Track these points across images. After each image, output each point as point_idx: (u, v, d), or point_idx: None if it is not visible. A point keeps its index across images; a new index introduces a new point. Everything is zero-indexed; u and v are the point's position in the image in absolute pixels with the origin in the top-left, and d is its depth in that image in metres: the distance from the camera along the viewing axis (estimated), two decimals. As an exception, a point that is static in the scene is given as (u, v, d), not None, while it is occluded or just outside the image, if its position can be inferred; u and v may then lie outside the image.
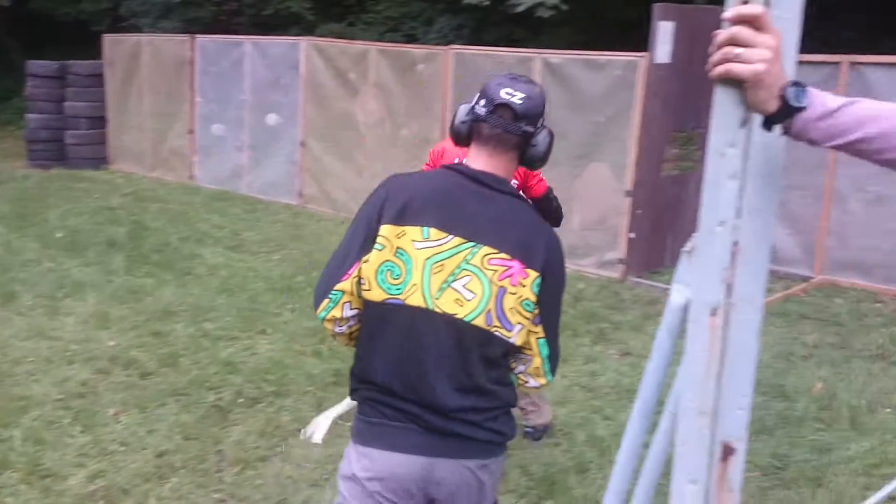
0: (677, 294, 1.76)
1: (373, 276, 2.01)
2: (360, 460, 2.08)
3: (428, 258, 2.00)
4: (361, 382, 2.10)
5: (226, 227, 8.78)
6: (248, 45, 10.55)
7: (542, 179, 3.81)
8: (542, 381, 2.15)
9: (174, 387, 4.65)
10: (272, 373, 4.86)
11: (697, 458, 1.54)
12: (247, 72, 10.47)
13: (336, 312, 2.07)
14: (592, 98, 7.48)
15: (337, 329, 2.12)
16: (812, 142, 1.41)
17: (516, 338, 2.05)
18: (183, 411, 4.37)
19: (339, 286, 2.05)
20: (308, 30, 13.67)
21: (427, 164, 3.84)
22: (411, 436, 2.03)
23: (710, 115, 1.41)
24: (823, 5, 10.86)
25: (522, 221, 2.09)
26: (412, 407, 2.03)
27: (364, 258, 2.02)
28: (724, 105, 1.38)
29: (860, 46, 9.57)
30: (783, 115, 1.36)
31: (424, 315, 1.99)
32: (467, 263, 2.00)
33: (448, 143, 3.72)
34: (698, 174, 7.81)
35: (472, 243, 2.01)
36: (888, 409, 4.61)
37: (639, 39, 11.60)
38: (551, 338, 2.12)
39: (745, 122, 1.39)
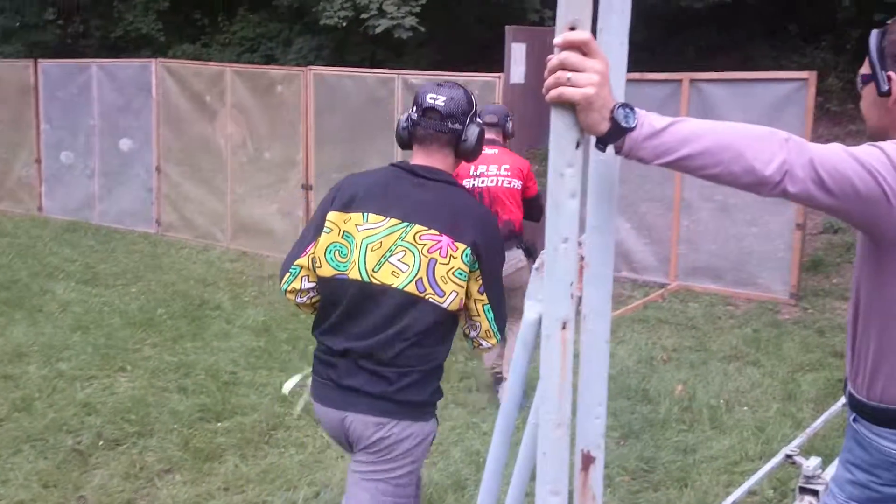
0: (530, 310, 1.81)
1: (322, 256, 2.40)
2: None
3: (365, 238, 2.36)
4: (317, 344, 2.50)
5: (78, 259, 8.36)
6: (95, 68, 10.13)
7: (535, 184, 4.64)
8: (492, 341, 2.48)
9: (29, 432, 4.36)
10: (134, 412, 4.64)
11: (558, 469, 1.57)
12: (95, 96, 10.04)
13: (296, 284, 2.47)
14: (452, 117, 7.58)
15: (298, 300, 2.50)
16: (641, 160, 1.48)
17: (450, 303, 2.35)
18: (40, 458, 4.11)
19: (297, 262, 2.46)
20: (160, 51, 13.25)
21: None
22: (330, 391, 2.41)
23: (550, 138, 1.46)
24: (668, 25, 11.48)
25: (452, 203, 2.42)
26: (347, 363, 2.38)
27: (317, 240, 2.43)
28: (559, 127, 1.43)
29: (701, 64, 10.16)
30: (614, 135, 1.42)
31: (364, 287, 2.35)
32: (402, 240, 2.35)
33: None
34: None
35: (405, 223, 2.36)
36: (745, 407, 4.87)
37: (497, 59, 11.90)
38: (495, 304, 2.44)
39: (580, 144, 1.44)
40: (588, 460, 1.67)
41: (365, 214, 2.40)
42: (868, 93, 1.81)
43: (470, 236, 2.37)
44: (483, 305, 2.42)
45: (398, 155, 7.87)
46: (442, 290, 2.34)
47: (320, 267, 2.41)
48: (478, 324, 2.44)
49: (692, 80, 7.54)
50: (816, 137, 8.74)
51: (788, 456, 3.17)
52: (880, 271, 1.73)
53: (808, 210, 7.58)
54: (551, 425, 1.57)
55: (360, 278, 2.35)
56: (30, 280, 7.46)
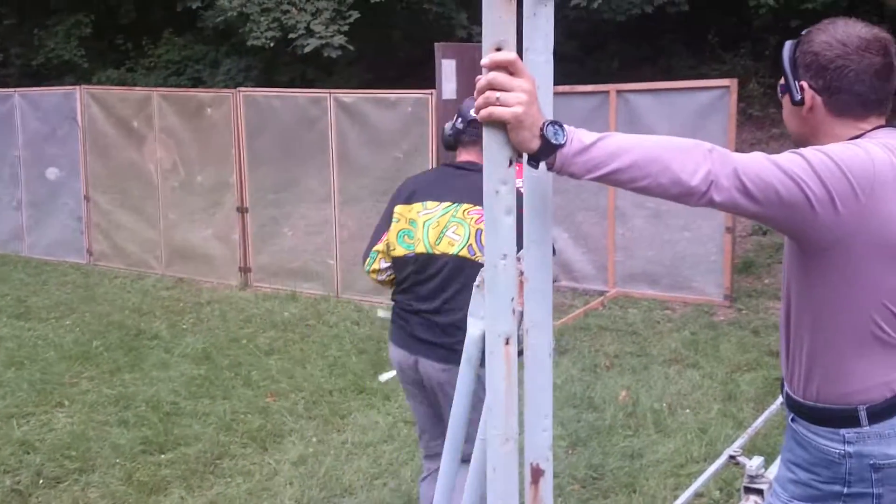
0: (473, 326, 1.83)
1: (395, 240, 3.08)
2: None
3: (426, 220, 3.03)
4: (395, 304, 3.15)
5: (8, 294, 8.11)
6: (17, 97, 9.86)
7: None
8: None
9: (-40, 476, 4.22)
10: (74, 448, 4.53)
11: (508, 484, 1.58)
12: (18, 125, 9.78)
13: (376, 265, 3.14)
14: (388, 135, 7.61)
15: (379, 277, 3.16)
16: (573, 175, 1.52)
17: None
18: (-27, 502, 3.98)
19: (375, 248, 3.14)
20: (84, 78, 12.99)
21: None
22: (406, 338, 3.08)
23: (483, 156, 1.49)
24: (591, 37, 11.69)
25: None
26: (418, 319, 3.04)
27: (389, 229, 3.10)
28: (492, 146, 1.46)
29: (625, 75, 10.38)
30: (545, 152, 1.46)
31: (429, 258, 3.00)
32: (454, 217, 2.99)
33: None
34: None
35: (455, 203, 3.00)
36: (687, 410, 4.97)
37: (427, 76, 11.96)
38: None
39: (512, 161, 1.47)
40: (537, 473, 1.69)
41: (423, 203, 3.06)
42: (786, 102, 1.89)
43: None
44: None
45: (335, 172, 7.85)
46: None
47: (394, 249, 3.08)
48: None
49: (619, 91, 7.69)
50: (741, 142, 9.01)
51: (732, 456, 3.24)
52: (807, 274, 1.79)
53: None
54: (499, 440, 1.59)
55: (425, 251, 3.01)
56: (-43, 317, 7.22)
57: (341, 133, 7.80)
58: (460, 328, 2.58)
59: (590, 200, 7.98)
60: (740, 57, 10.78)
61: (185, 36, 13.62)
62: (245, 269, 8.50)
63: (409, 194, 3.12)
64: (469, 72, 7.44)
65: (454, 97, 7.29)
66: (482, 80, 1.42)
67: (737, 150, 1.73)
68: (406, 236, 3.06)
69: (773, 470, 2.85)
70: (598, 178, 1.52)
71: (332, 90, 7.93)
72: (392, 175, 7.73)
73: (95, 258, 9.39)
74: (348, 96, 7.81)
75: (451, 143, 3.16)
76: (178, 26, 13.83)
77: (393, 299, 3.16)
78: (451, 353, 2.87)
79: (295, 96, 8.22)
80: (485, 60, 1.41)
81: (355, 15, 10.05)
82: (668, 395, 5.25)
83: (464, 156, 3.10)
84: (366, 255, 3.17)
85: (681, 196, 1.55)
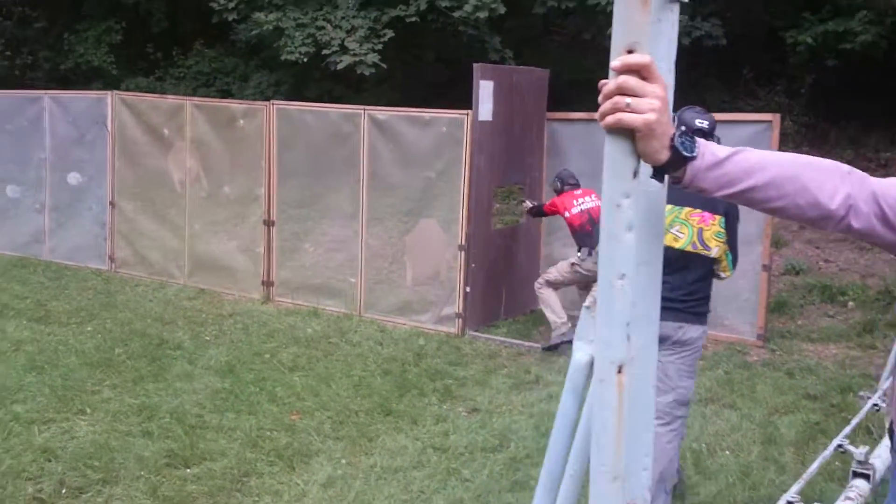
0: (580, 352, 1.69)
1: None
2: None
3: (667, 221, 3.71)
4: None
5: (28, 297, 8.02)
6: (47, 99, 9.84)
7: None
8: (728, 273, 3.98)
9: (-18, 481, 4.09)
10: (97, 458, 4.40)
11: (614, 525, 1.45)
12: (46, 128, 9.75)
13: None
14: (421, 154, 7.52)
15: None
16: (703, 191, 1.41)
17: (714, 253, 3.82)
18: (-7, 509, 3.85)
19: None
20: (112, 85, 12.97)
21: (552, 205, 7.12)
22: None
23: (603, 166, 1.37)
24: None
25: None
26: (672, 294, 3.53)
27: None
28: (615, 155, 1.34)
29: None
30: (674, 165, 1.34)
31: (667, 250, 3.64)
32: (677, 218, 3.72)
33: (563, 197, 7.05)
34: (525, 227, 8.02)
35: (679, 207, 3.71)
36: (727, 451, 4.81)
37: (454, 98, 11.91)
38: (733, 251, 3.94)
39: (637, 173, 1.35)
40: (638, 514, 1.56)
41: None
42: None
43: (722, 210, 3.80)
44: (726, 252, 3.89)
45: (364, 189, 7.76)
46: (709, 247, 3.81)
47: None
48: (720, 262, 3.90)
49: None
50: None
51: (790, 503, 3.10)
52: None
53: (773, 251, 7.67)
54: (607, 478, 1.46)
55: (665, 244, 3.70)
56: (-23, 318, 7.12)
57: (373, 150, 7.72)
58: (694, 298, 3.83)
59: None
60: (775, 94, 10.69)
61: (216, 48, 13.62)
62: (268, 283, 8.39)
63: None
64: (506, 94, 7.36)
65: (490, 118, 7.21)
66: (610, 83, 1.30)
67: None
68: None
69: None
70: (730, 196, 1.41)
71: (366, 107, 7.86)
72: (421, 195, 7.65)
73: (117, 265, 9.30)
74: (382, 113, 7.74)
75: None
76: (209, 38, 13.85)
77: None
78: (687, 314, 3.79)
79: (328, 111, 8.15)
80: (615, 63, 1.29)
81: (390, 34, 10.02)
82: (707, 434, 5.09)
83: None
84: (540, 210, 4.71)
85: (818, 220, 1.44)
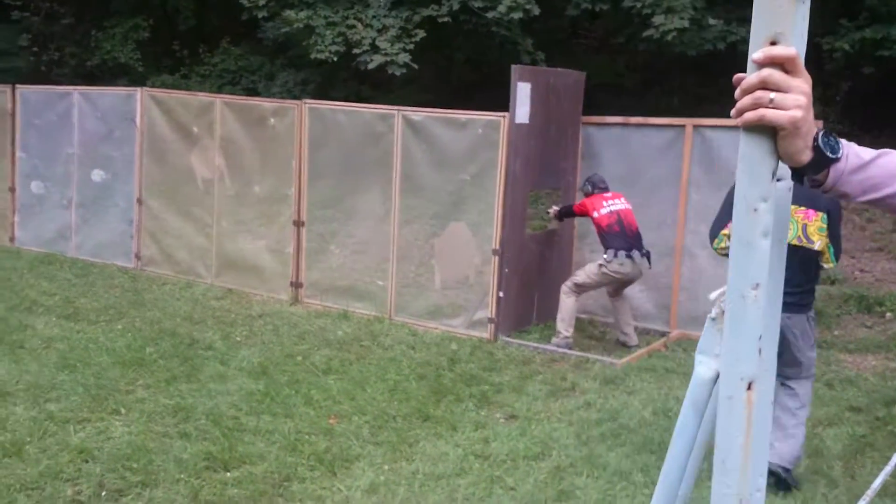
0: (703, 366, 1.60)
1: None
2: None
3: None
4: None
5: (57, 293, 7.98)
6: (77, 95, 9.81)
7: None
8: (830, 264, 4.46)
9: (22, 480, 4.03)
10: (134, 459, 4.33)
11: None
12: (75, 124, 9.72)
13: (723, 244, 4.43)
14: (455, 156, 7.43)
15: (724, 253, 4.31)
16: (845, 195, 1.32)
17: (818, 246, 4.32)
18: (34, 510, 3.79)
19: (723, 232, 4.43)
20: (138, 81, 12.97)
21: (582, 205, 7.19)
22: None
23: (738, 168, 1.27)
24: (655, 72, 11.51)
25: (810, 191, 3.86)
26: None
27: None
28: (753, 155, 1.23)
29: (686, 113, 10.19)
30: (816, 166, 1.25)
31: None
32: None
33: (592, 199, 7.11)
34: (560, 232, 7.93)
35: None
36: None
37: (482, 101, 11.82)
38: (834, 244, 4.40)
39: (775, 175, 1.26)
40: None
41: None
42: None
43: (824, 206, 4.26)
44: (828, 244, 4.36)
45: (397, 191, 7.68)
46: (812, 241, 4.28)
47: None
48: (822, 255, 4.38)
49: (695, 126, 7.50)
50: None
51: (862, 522, 3.00)
52: None
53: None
54: (732, 500, 1.37)
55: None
56: (7, 314, 7.08)
57: (406, 151, 7.64)
58: (803, 289, 4.36)
59: (650, 237, 7.74)
60: (808, 101, 10.54)
61: (242, 46, 13.59)
62: (297, 284, 8.33)
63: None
64: (543, 96, 7.27)
65: (527, 121, 7.12)
66: (752, 77, 1.18)
67: None
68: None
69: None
70: (872, 202, 1.32)
71: (400, 107, 7.78)
72: (455, 198, 7.56)
73: (143, 263, 9.26)
74: (417, 114, 7.66)
75: None
76: (236, 36, 13.82)
77: None
78: (796, 306, 4.25)
79: (361, 111, 8.07)
80: (757, 55, 1.18)
81: (421, 34, 9.94)
82: (751, 446, 4.97)
83: None
84: (713, 236, 4.58)
85: None
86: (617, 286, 7.14)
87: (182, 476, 4.21)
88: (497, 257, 7.11)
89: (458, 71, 12.44)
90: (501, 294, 7.10)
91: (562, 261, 7.97)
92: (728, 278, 1.31)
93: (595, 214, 6.98)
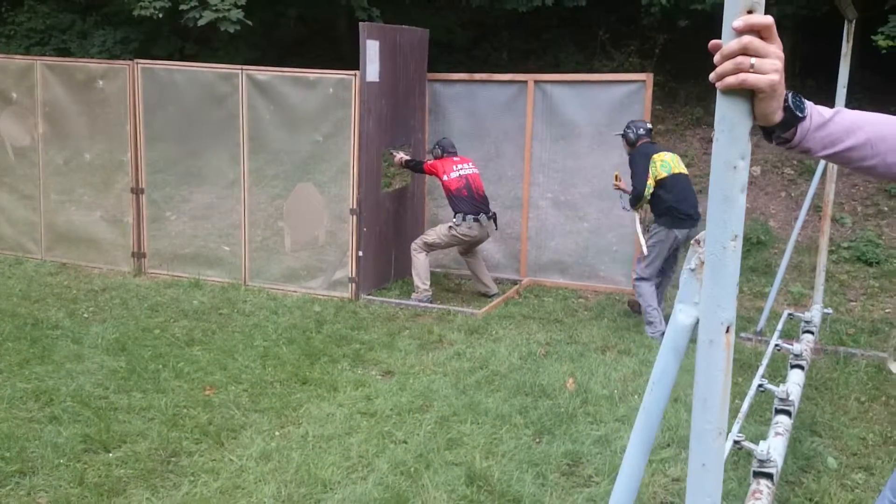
0: (683, 314, 1.73)
1: (658, 168, 6.28)
2: None
3: (669, 160, 6.45)
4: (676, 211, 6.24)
5: None
6: None
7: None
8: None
9: None
10: (6, 448, 4.07)
11: (717, 480, 1.53)
12: None
13: (647, 193, 6.26)
14: (306, 116, 7.32)
15: (647, 201, 6.36)
16: (807, 151, 1.47)
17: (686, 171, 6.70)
18: None
19: (648, 182, 6.22)
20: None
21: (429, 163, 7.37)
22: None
23: (715, 128, 1.40)
24: (482, 28, 11.71)
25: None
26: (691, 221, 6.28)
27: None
28: (732, 116, 1.35)
29: (514, 67, 10.44)
30: (786, 125, 1.39)
31: (680, 176, 6.35)
32: (675, 158, 6.60)
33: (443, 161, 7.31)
34: (412, 189, 8.02)
35: (670, 153, 6.65)
36: (636, 396, 5.06)
37: (312, 58, 11.60)
38: None
39: (751, 133, 1.40)
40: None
41: (661, 153, 6.38)
42: None
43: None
44: None
45: (245, 154, 7.47)
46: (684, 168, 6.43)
47: (659, 175, 6.24)
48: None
49: (537, 81, 7.78)
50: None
51: (737, 442, 3.33)
52: None
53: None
54: (713, 435, 1.52)
55: (679, 172, 6.32)
56: None
57: (254, 112, 7.44)
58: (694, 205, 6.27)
59: (498, 190, 8.01)
60: (629, 55, 11.14)
61: (49, 3, 12.57)
62: (139, 255, 7.96)
63: (654, 152, 6.34)
64: (390, 54, 7.28)
65: (377, 79, 7.11)
66: (732, 43, 1.28)
67: None
68: (663, 168, 6.25)
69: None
70: (831, 156, 1.48)
71: (243, 66, 7.54)
72: (307, 159, 7.46)
73: (-39, 240, 8.52)
74: (262, 73, 7.45)
75: (633, 141, 6.54)
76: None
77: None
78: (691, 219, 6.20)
79: (203, 71, 7.74)
80: (737, 23, 1.28)
81: (252, -11, 9.59)
82: (613, 381, 5.33)
83: (646, 140, 6.54)
84: (641, 190, 6.25)
85: None
86: (466, 247, 7.39)
87: (61, 461, 4.00)
88: (355, 217, 7.12)
89: (286, 27, 12.13)
90: (361, 253, 7.13)
91: (416, 218, 8.09)
92: (707, 231, 1.44)
93: (445, 178, 7.16)
